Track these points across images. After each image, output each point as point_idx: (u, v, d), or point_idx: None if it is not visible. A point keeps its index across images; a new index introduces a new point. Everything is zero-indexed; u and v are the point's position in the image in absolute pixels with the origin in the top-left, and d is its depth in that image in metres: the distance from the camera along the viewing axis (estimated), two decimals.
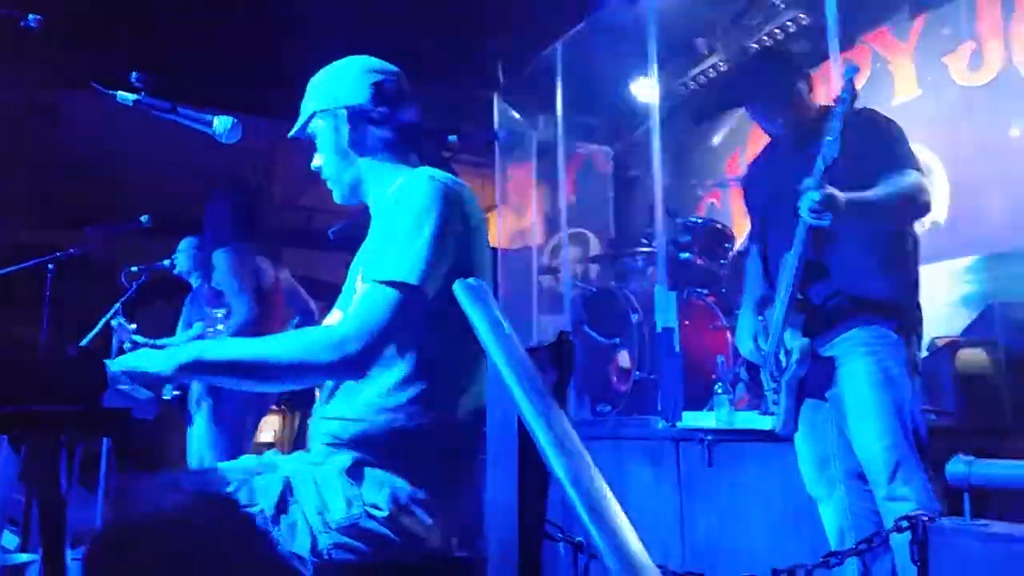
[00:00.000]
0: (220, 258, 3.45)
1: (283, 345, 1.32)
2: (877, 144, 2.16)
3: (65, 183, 5.04)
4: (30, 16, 1.50)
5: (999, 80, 3.99)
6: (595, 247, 6.26)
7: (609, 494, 1.00)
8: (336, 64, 1.60)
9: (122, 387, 1.28)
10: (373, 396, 1.40)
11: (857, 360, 2.07)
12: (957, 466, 1.67)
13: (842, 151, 2.05)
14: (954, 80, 4.18)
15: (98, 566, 1.19)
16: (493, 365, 1.20)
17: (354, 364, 1.29)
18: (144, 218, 3.71)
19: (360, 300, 1.34)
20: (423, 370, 1.40)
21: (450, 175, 1.46)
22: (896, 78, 4.50)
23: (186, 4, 4.50)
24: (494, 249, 6.46)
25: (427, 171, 1.45)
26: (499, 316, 1.29)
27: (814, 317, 2.13)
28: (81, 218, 5.03)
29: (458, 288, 1.33)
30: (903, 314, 2.15)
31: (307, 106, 1.59)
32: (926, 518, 1.69)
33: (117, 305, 3.88)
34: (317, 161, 1.59)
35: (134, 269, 4.04)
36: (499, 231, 6.08)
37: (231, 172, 4.57)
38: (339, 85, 1.55)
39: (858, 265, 2.14)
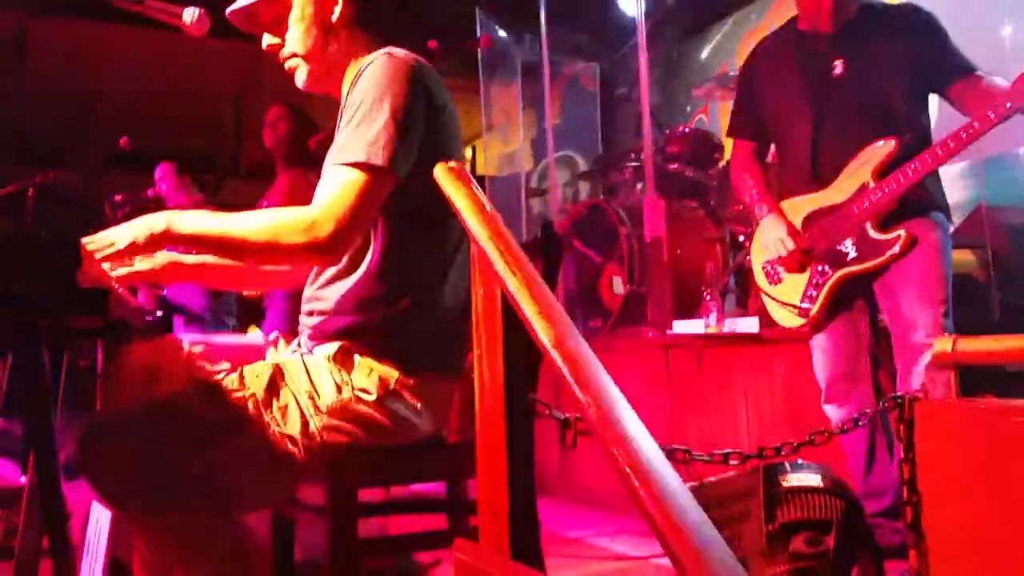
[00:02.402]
0: None
1: (253, 224, 1.28)
2: (941, 42, 2.16)
3: (35, 116, 4.95)
4: None
5: None
6: (583, 169, 6.20)
7: (593, 357, 1.00)
8: None
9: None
10: (353, 286, 1.39)
11: (930, 234, 2.09)
12: (942, 344, 1.68)
13: (903, 45, 2.13)
14: None
15: (92, 452, 1.20)
16: (476, 242, 1.19)
17: (324, 249, 1.26)
18: (123, 141, 3.60)
19: (328, 184, 1.30)
20: (403, 258, 1.39)
21: (410, 53, 1.40)
22: None
23: None
24: (481, 177, 6.39)
25: (386, 50, 1.39)
26: (481, 196, 1.27)
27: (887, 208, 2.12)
28: (55, 150, 4.93)
29: (439, 171, 1.31)
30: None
31: None
32: (911, 396, 1.70)
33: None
34: (274, 38, 1.49)
35: (118, 199, 3.99)
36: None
37: (201, 102, 4.48)
38: None
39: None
